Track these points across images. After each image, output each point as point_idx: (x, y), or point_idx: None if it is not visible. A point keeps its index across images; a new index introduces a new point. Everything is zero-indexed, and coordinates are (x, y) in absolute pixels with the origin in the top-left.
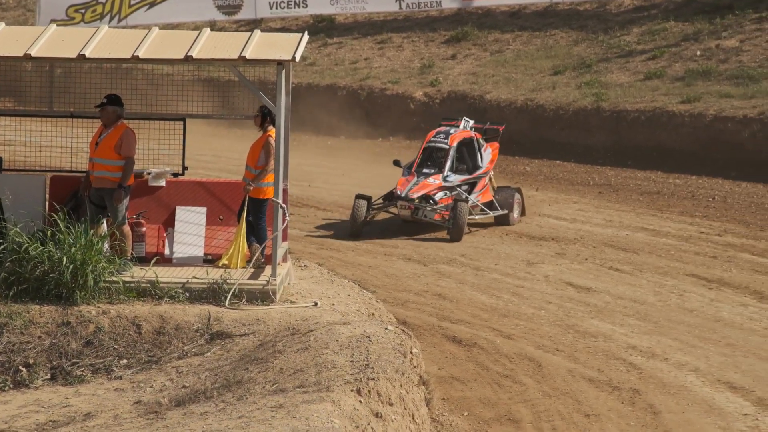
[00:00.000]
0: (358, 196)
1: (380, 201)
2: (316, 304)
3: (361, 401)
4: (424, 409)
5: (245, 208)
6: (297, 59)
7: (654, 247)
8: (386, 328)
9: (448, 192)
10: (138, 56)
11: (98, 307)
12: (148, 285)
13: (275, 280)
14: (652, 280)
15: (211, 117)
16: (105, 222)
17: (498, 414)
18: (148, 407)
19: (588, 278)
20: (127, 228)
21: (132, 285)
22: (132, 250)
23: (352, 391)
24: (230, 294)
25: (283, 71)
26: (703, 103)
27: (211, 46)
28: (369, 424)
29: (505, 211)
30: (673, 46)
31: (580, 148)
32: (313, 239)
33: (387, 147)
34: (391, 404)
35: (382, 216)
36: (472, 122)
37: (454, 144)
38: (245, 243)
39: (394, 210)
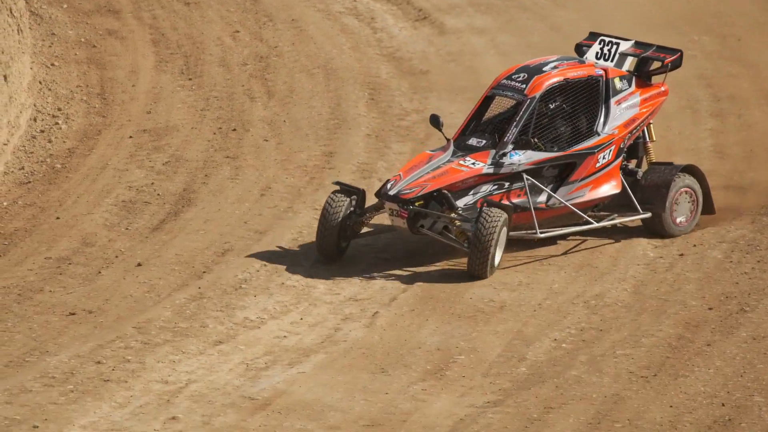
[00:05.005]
0: (339, 190)
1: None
2: None
3: None
4: (22, 2)
5: None
6: None
7: None
8: None
9: (507, 184)
10: None
11: None
12: None
13: None
14: None
15: None
16: None
17: (98, 5)
18: None
19: None
20: None
21: None
22: None
23: None
24: None
25: None
26: None
27: None
28: None
29: (646, 213)
30: None
31: None
32: None
33: None
34: None
35: None
36: (625, 45)
37: (538, 93)
38: None
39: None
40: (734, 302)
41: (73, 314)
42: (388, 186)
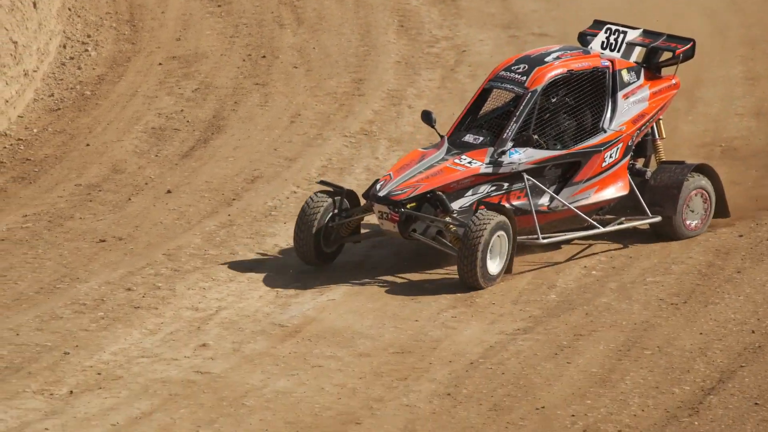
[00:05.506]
0: (321, 190)
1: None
2: None
3: None
4: None
5: None
6: None
7: None
8: None
9: (506, 185)
10: None
11: None
12: None
13: None
14: None
15: None
16: None
17: None
18: None
19: None
20: None
21: None
22: None
23: None
24: None
25: None
26: None
27: None
28: None
29: (656, 217)
30: None
31: None
32: None
33: None
34: None
35: None
36: (633, 34)
37: (540, 86)
38: None
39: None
40: (764, 229)
41: (104, 241)
42: (377, 187)
